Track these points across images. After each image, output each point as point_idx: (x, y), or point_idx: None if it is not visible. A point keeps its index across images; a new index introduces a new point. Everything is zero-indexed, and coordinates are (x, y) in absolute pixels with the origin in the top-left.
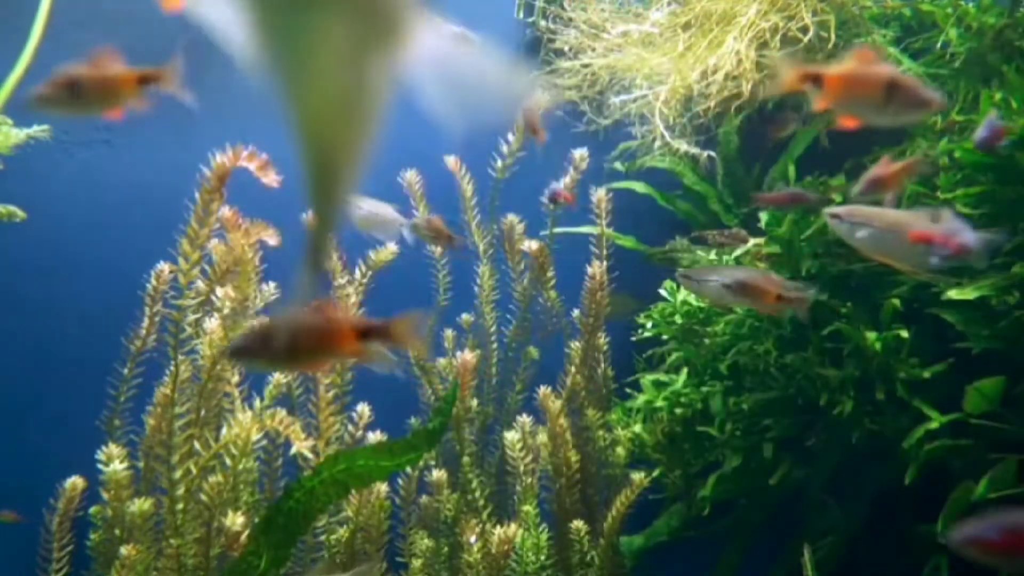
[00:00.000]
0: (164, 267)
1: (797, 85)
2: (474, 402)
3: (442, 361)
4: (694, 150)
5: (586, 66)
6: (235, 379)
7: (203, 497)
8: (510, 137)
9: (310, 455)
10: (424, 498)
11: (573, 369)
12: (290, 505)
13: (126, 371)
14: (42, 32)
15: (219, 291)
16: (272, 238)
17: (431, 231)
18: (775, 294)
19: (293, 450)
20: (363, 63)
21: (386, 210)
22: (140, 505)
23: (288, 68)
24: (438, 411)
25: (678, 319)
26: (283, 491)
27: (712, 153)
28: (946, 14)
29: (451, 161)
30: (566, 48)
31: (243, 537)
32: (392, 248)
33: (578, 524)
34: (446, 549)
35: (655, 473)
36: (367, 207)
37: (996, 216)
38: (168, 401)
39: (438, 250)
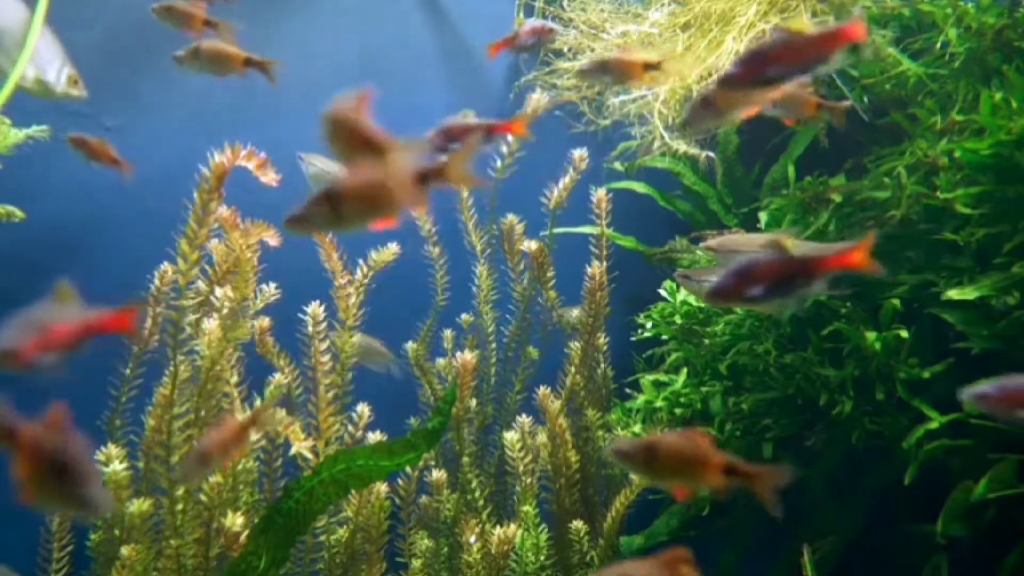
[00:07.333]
0: (167, 268)
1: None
2: (473, 402)
3: (441, 361)
4: (694, 150)
5: None
6: (234, 379)
7: (203, 497)
8: (509, 138)
9: (310, 455)
10: (424, 498)
11: (573, 369)
12: (290, 505)
13: (127, 371)
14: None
15: (218, 291)
16: (272, 238)
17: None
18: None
19: (293, 450)
20: None
21: (336, 168)
22: (140, 505)
23: None
24: (437, 411)
25: (678, 319)
26: (283, 491)
27: (712, 153)
28: (945, 14)
29: None
30: (566, 48)
31: (243, 537)
32: (393, 248)
33: (578, 524)
34: (446, 549)
35: None
36: (318, 164)
37: (996, 216)
38: (168, 401)
39: (436, 250)
